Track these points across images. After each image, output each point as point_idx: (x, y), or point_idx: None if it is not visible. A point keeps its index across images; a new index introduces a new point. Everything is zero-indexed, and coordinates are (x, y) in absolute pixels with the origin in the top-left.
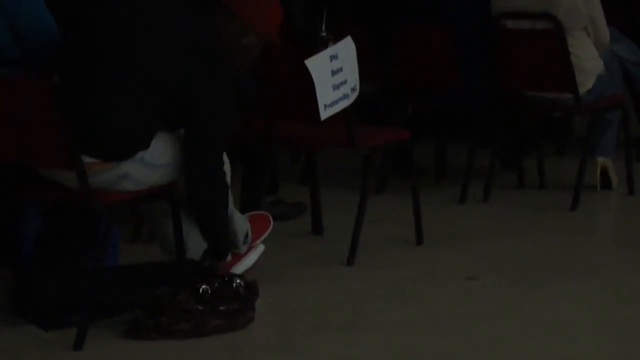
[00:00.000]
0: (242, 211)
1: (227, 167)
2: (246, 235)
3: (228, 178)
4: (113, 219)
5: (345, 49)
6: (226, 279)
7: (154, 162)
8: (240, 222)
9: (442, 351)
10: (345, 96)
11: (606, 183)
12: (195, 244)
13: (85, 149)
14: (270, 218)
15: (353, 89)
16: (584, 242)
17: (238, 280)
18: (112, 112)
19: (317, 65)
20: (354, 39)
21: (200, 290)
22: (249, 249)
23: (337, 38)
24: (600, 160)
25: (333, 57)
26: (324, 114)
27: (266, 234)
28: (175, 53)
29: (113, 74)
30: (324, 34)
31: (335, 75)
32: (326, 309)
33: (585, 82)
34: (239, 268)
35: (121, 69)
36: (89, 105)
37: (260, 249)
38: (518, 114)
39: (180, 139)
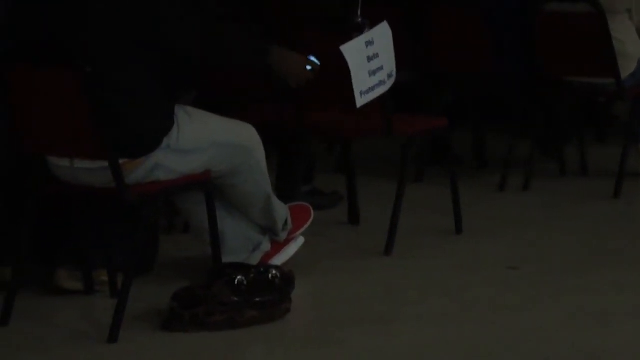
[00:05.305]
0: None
1: (261, 154)
2: (285, 222)
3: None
4: (148, 212)
5: (382, 35)
6: (262, 269)
7: (181, 148)
8: (280, 209)
9: (482, 343)
10: (382, 82)
11: None
12: (232, 233)
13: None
14: (311, 209)
15: (390, 75)
16: (627, 230)
17: (274, 271)
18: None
19: (353, 51)
20: (389, 24)
21: (236, 281)
22: (289, 241)
23: (373, 23)
24: None
25: (369, 43)
26: (360, 101)
27: (307, 225)
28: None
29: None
30: (359, 20)
31: (371, 61)
32: (363, 300)
33: (628, 66)
34: (279, 259)
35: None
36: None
37: (300, 240)
38: (558, 100)
39: (204, 124)
